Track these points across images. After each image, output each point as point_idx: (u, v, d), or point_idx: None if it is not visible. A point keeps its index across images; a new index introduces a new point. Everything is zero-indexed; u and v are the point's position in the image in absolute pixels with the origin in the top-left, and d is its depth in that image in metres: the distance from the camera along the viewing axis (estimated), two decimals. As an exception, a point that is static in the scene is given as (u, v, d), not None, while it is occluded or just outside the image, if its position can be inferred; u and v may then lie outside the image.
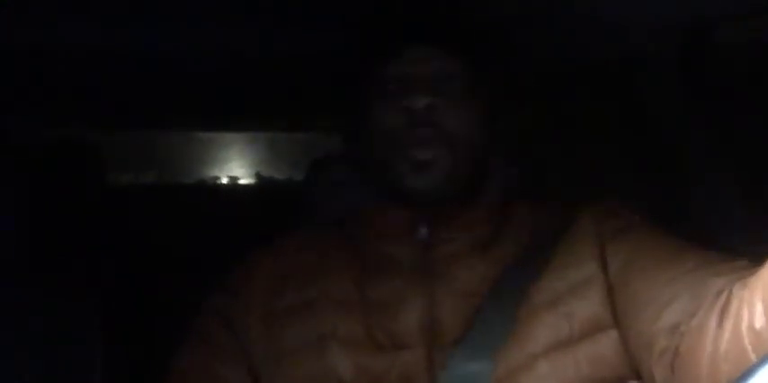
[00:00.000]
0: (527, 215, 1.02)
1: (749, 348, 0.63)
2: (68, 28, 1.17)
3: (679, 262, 0.85)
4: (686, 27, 1.08)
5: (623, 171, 1.34)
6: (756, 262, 0.67)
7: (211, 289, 1.03)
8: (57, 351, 1.18)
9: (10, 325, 1.16)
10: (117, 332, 1.26)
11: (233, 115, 1.96)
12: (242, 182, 2.84)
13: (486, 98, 1.01)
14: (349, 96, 1.05)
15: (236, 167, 2.84)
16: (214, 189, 2.57)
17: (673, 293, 0.81)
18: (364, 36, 1.04)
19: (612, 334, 0.89)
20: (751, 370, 0.49)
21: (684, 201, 1.19)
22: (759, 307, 0.63)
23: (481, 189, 1.01)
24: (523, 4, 1.06)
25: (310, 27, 1.18)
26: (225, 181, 2.82)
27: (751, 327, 0.63)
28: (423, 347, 0.92)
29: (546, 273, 0.94)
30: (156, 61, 1.33)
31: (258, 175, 2.81)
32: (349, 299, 0.96)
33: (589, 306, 0.90)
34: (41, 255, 1.26)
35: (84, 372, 1.20)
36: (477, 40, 1.03)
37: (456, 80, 0.98)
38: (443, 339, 0.92)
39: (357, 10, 1.03)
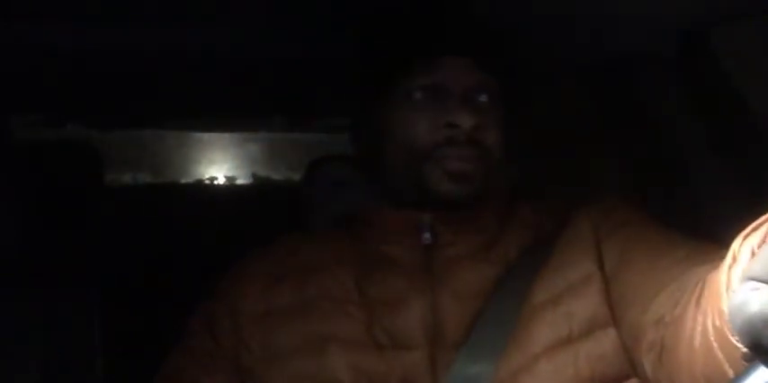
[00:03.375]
0: (529, 215, 1.02)
1: (715, 345, 0.59)
2: (68, 28, 1.17)
3: (670, 253, 0.84)
4: (686, 27, 1.08)
5: (623, 171, 1.35)
6: None
7: (209, 289, 1.02)
8: (57, 352, 1.17)
9: (10, 325, 1.16)
10: (117, 332, 1.26)
11: (230, 115, 1.97)
12: (239, 182, 2.84)
13: (505, 107, 1.00)
14: (360, 102, 1.03)
15: (233, 167, 2.85)
16: (211, 189, 2.57)
17: (661, 284, 0.80)
18: (382, 45, 1.01)
19: (612, 332, 0.89)
20: (745, 374, 0.48)
21: (685, 202, 1.19)
22: (715, 306, 0.59)
23: (487, 191, 1.00)
24: (522, 5, 1.06)
25: (309, 27, 1.18)
26: (222, 181, 2.83)
27: (713, 324, 0.59)
28: (425, 348, 0.91)
29: (546, 273, 0.93)
30: (154, 61, 1.33)
31: (255, 175, 2.82)
32: (349, 299, 0.95)
33: (588, 304, 0.90)
34: (40, 255, 1.26)
35: (85, 372, 1.20)
36: (500, 51, 1.02)
37: (489, 94, 0.97)
38: (445, 340, 0.91)
39: (357, 11, 1.03)
